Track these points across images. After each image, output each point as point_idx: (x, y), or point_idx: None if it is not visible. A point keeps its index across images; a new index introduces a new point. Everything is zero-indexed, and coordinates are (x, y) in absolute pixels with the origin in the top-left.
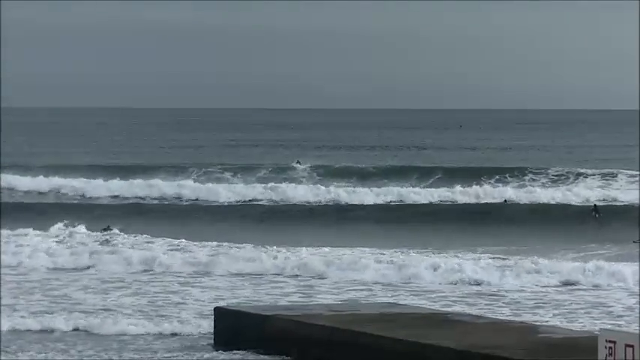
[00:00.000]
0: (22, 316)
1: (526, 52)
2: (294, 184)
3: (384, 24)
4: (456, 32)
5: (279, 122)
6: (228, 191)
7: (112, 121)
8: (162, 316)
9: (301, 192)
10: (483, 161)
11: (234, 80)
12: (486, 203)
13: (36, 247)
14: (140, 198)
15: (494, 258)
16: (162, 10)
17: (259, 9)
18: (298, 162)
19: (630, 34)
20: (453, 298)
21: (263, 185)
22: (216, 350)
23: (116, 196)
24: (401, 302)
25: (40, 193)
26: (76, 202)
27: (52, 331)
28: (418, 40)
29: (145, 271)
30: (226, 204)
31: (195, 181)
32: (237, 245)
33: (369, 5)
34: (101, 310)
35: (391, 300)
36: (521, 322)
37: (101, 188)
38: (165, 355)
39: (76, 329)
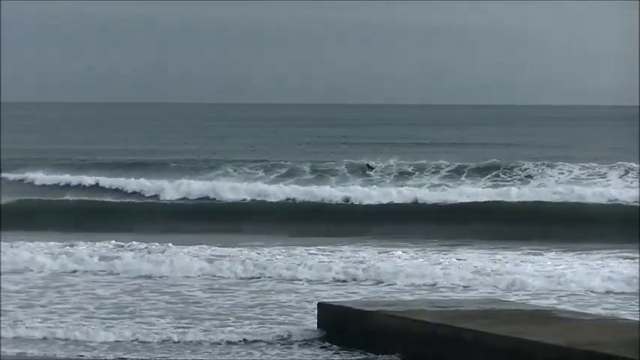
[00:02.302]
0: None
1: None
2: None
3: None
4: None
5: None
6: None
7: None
8: (265, 313)
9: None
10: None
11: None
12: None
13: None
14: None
15: None
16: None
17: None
18: (368, 167)
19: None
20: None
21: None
22: (320, 346)
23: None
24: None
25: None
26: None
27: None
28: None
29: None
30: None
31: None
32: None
33: None
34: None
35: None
36: (625, 320)
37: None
38: (269, 352)
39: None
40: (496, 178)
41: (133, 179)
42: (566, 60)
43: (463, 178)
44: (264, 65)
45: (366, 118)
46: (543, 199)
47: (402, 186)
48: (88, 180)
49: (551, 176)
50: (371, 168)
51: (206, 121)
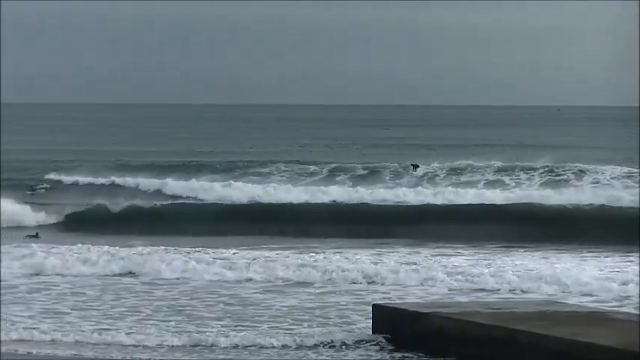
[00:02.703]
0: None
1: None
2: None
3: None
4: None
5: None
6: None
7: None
8: (321, 315)
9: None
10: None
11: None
12: None
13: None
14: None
15: None
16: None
17: None
18: (413, 166)
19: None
20: None
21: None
22: (375, 347)
23: None
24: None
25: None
26: None
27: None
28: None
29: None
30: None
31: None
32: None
33: None
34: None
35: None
36: None
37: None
38: (324, 354)
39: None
40: (549, 179)
41: (183, 182)
42: (566, 60)
43: (515, 179)
44: (264, 65)
45: (391, 119)
46: (598, 201)
47: (454, 186)
48: (133, 182)
49: (611, 177)
50: (415, 167)
51: (222, 121)
